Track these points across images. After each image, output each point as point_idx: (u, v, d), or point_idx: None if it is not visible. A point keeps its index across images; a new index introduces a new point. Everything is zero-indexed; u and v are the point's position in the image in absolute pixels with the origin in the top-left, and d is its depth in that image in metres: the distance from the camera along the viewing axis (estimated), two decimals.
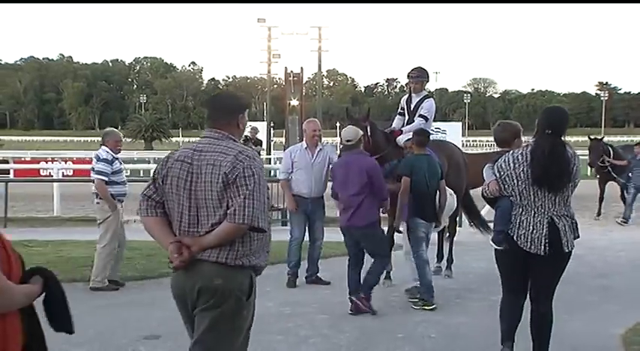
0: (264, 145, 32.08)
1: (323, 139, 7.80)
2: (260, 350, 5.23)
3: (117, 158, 7.33)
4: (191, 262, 3.11)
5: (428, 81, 7.71)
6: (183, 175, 3.20)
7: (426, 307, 6.28)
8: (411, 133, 6.91)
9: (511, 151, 4.42)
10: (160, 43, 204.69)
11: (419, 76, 7.53)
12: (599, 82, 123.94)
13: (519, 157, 4.30)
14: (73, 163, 29.09)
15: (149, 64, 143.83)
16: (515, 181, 4.29)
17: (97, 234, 7.32)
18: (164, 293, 6.87)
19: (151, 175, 3.46)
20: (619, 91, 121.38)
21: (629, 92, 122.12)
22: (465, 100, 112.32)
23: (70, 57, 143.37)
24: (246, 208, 3.06)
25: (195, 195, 3.16)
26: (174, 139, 78.95)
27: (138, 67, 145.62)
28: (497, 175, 4.36)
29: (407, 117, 7.65)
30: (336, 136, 54.97)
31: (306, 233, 7.66)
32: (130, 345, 5.34)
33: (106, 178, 7.20)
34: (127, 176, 7.87)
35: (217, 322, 3.13)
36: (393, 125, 7.76)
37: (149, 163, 27.19)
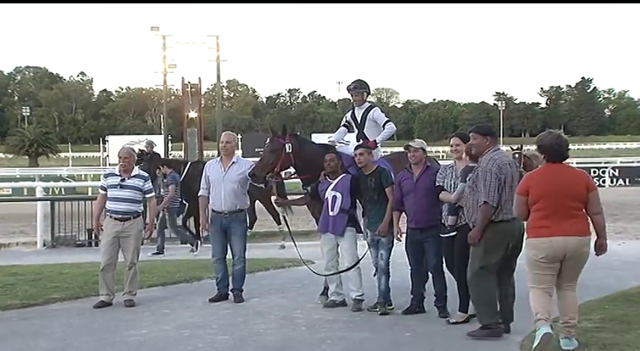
0: None
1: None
2: None
3: (117, 175, 7.52)
4: None
5: (369, 93, 7.87)
6: (516, 174, 5.84)
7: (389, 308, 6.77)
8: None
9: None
10: (44, 52, 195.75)
11: (357, 87, 7.67)
12: (497, 93, 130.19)
13: None
14: None
15: (32, 74, 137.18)
16: None
17: None
18: (51, 322, 6.65)
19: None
20: (515, 101, 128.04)
21: (524, 102, 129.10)
22: None
23: None
24: None
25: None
26: (62, 155, 75.66)
27: (19, 77, 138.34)
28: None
29: (356, 130, 7.77)
30: (239, 149, 54.72)
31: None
32: None
33: (101, 191, 7.64)
34: (8, 195, 7.61)
35: None
36: (335, 136, 7.89)
37: (34, 180, 25.69)
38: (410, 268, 6.73)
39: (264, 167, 7.17)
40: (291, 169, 7.52)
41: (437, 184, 6.44)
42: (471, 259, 5.82)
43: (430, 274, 6.75)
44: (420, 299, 6.71)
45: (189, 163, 12.55)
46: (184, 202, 11.74)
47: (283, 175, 7.76)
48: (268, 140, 7.33)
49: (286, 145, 7.13)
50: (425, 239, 6.57)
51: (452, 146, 6.58)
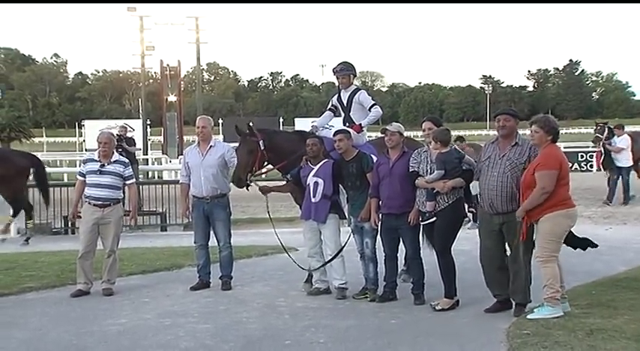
0: (140, 145, 31.18)
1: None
2: None
3: (96, 160, 7.46)
4: None
5: (355, 75, 7.86)
6: None
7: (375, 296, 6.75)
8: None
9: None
10: (15, 33, 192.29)
11: (343, 69, 7.71)
12: (483, 76, 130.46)
13: None
14: None
15: (3, 56, 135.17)
16: None
17: None
18: (26, 311, 6.60)
19: None
20: (502, 85, 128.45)
21: (511, 85, 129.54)
22: None
23: None
24: None
25: None
26: (36, 140, 74.74)
27: None
28: None
29: (343, 114, 7.80)
30: (219, 134, 54.47)
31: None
32: None
33: (80, 177, 7.55)
34: None
35: None
36: (320, 121, 7.95)
37: None
38: (384, 254, 6.76)
39: (244, 169, 7.18)
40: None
41: (411, 169, 6.44)
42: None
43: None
44: (393, 286, 6.75)
45: None
46: None
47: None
48: (240, 142, 7.31)
49: (260, 143, 7.16)
50: (399, 226, 6.57)
51: (424, 131, 6.61)
